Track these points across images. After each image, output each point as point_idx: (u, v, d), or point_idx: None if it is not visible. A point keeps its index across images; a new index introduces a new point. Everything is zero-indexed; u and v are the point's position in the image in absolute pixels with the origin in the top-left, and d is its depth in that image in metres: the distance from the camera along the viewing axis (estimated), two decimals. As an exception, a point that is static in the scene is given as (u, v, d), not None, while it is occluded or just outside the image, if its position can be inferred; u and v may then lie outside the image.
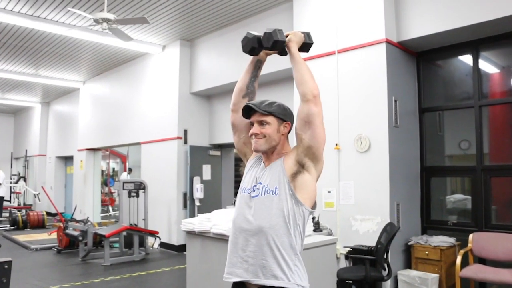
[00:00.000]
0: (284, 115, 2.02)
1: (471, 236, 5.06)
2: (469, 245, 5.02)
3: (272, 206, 1.91)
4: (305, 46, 2.22)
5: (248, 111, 2.03)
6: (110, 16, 5.89)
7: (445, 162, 6.12)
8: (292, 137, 2.09)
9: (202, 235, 4.64)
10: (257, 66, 2.26)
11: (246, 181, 2.08)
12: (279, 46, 2.13)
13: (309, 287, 1.93)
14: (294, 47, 2.10)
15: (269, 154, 2.04)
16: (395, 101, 5.35)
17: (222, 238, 4.36)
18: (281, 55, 2.23)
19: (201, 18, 7.70)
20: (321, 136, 1.95)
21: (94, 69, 11.26)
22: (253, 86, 2.24)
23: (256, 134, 1.98)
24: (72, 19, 7.61)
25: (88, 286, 5.96)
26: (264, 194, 1.94)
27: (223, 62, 8.20)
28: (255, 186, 2.00)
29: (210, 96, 9.16)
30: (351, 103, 5.56)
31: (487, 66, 5.58)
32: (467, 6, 4.89)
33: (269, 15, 7.25)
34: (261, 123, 1.98)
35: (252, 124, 2.02)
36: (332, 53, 5.77)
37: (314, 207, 1.99)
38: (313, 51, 5.96)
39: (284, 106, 2.07)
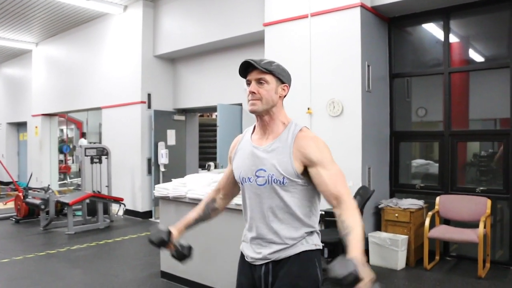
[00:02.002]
0: (283, 76, 1.90)
1: (438, 198, 5.25)
2: (436, 207, 5.20)
3: (281, 194, 1.83)
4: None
5: (246, 68, 1.90)
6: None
7: (411, 128, 6.26)
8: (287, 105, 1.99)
9: (176, 200, 4.56)
10: (192, 227, 2.20)
11: (244, 169, 1.93)
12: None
13: (321, 245, 1.91)
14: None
15: (264, 118, 1.90)
16: (368, 66, 5.36)
17: (198, 203, 4.29)
18: None
19: (166, -23, 7.37)
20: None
21: (49, 29, 10.61)
22: (207, 214, 2.20)
23: (253, 93, 1.86)
24: (26, -26, 7.09)
25: (54, 255, 5.79)
26: (271, 183, 1.83)
27: (189, 24, 7.93)
28: (258, 171, 1.87)
29: (174, 59, 8.88)
30: (324, 68, 5.53)
31: (453, 34, 5.66)
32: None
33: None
34: (259, 81, 1.85)
35: (248, 82, 1.89)
36: (305, 16, 5.67)
37: None
38: (285, 13, 5.92)
39: (283, 67, 1.93)
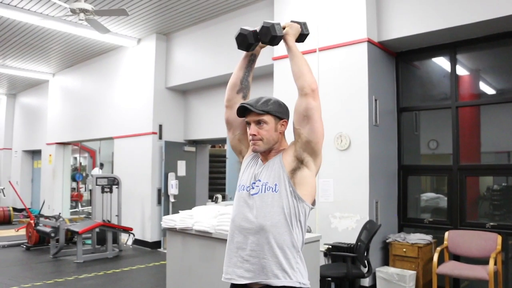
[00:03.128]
0: (281, 113, 1.99)
1: (447, 233, 5.19)
2: (445, 242, 5.14)
3: (273, 203, 1.87)
4: (302, 37, 2.18)
5: (243, 111, 1.98)
6: (88, 6, 5.74)
7: (420, 161, 6.26)
8: (288, 133, 2.07)
9: (183, 232, 4.58)
10: (251, 60, 2.21)
11: (245, 179, 2.03)
12: (277, 41, 2.09)
13: (309, 284, 1.91)
14: (291, 40, 2.07)
15: (266, 152, 2.01)
16: (375, 100, 5.41)
17: (204, 235, 4.32)
18: (272, 45, 2.14)
19: (178, 12, 7.59)
20: (320, 131, 1.93)
21: (65, 61, 10.93)
22: (247, 81, 2.19)
23: (254, 135, 1.94)
24: (45, 8, 7.34)
25: (62, 284, 5.81)
26: (264, 192, 1.90)
27: (200, 57, 8.12)
28: (254, 183, 1.96)
29: (185, 91, 9.05)
30: (332, 101, 5.59)
31: (461, 68, 5.72)
32: (446, 8, 5.00)
33: (249, 11, 7.21)
34: (258, 122, 1.94)
35: (248, 123, 1.97)
36: (313, 51, 5.78)
37: (313, 203, 1.97)
38: (294, 48, 6.03)
39: (280, 102, 2.02)
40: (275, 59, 6.27)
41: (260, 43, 2.15)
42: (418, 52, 5.80)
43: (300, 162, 1.92)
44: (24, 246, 8.21)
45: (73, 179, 15.14)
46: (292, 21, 2.12)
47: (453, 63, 5.52)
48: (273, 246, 1.85)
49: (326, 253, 5.34)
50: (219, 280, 4.19)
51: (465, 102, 5.63)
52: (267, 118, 1.93)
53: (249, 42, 2.12)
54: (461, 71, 5.71)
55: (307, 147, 1.91)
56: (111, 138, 9.81)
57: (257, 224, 1.88)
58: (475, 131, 5.80)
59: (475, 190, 5.84)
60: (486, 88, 6.00)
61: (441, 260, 5.00)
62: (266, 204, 1.89)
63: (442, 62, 5.82)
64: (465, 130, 5.59)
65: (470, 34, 5.21)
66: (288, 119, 2.03)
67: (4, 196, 13.77)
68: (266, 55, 6.65)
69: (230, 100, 2.17)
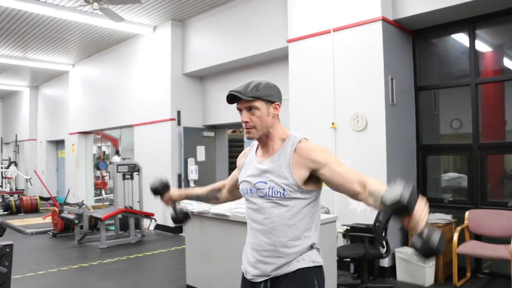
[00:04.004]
0: (272, 96, 1.88)
1: (467, 213, 5.11)
2: (466, 222, 5.07)
3: (281, 204, 1.83)
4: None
5: (233, 98, 1.90)
6: (102, -5, 5.77)
7: (439, 141, 6.16)
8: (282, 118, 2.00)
9: (201, 215, 4.64)
10: (195, 199, 2.44)
11: (246, 181, 1.96)
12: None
13: (322, 262, 1.91)
14: None
15: (262, 139, 1.92)
16: (392, 79, 5.33)
17: (221, 218, 4.36)
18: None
19: (193, -2, 7.58)
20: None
21: (84, 51, 11.07)
22: (207, 198, 2.37)
23: (246, 122, 1.87)
24: (61, -1, 7.44)
25: (86, 268, 5.96)
26: (272, 195, 1.84)
27: (216, 42, 8.10)
28: (258, 183, 1.89)
29: (203, 77, 9.07)
30: (348, 82, 5.53)
31: (482, 44, 5.56)
32: (464, -18, 4.86)
33: (262, -6, 7.15)
34: (249, 108, 1.85)
35: (239, 109, 1.90)
36: (328, 32, 5.71)
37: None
38: (308, 29, 5.98)
39: (271, 85, 1.92)
40: (290, 41, 6.21)
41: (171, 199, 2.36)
42: (436, 29, 5.65)
43: (315, 177, 1.85)
44: (51, 233, 8.44)
45: (97, 167, 15.45)
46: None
47: (472, 39, 5.38)
48: (285, 244, 1.83)
49: (345, 234, 5.34)
50: (237, 262, 4.24)
51: (485, 78, 5.49)
52: (258, 103, 1.85)
53: (180, 218, 2.37)
54: (482, 47, 5.56)
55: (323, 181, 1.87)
56: (131, 126, 9.93)
57: (267, 225, 1.85)
58: (499, 109, 5.66)
59: (499, 169, 5.73)
60: (510, 64, 5.82)
61: (461, 240, 4.94)
62: (275, 207, 1.84)
63: (461, 39, 5.67)
64: (488, 108, 5.46)
65: (489, 8, 5.05)
66: (280, 102, 1.93)
67: (32, 185, 14.14)
68: (279, 37, 6.63)
69: (227, 200, 2.35)
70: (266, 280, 1.87)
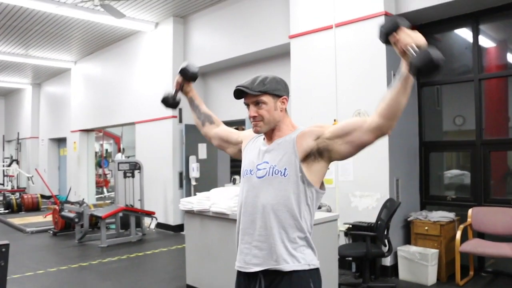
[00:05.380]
0: (279, 90, 1.87)
1: (470, 210, 5.05)
2: (469, 219, 5.00)
3: (280, 187, 1.80)
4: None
5: (240, 93, 1.89)
6: (101, -9, 5.71)
7: (442, 138, 6.08)
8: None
9: (201, 214, 4.59)
10: (191, 101, 2.37)
11: (248, 162, 1.95)
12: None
13: (319, 264, 1.86)
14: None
15: (269, 132, 1.92)
16: (394, 75, 5.24)
17: (221, 217, 4.31)
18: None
19: (194, -6, 7.52)
20: (348, 157, 1.81)
21: (86, 48, 11.03)
22: (201, 113, 2.33)
23: (254, 117, 1.86)
24: (61, -4, 7.39)
25: (86, 268, 5.92)
26: (272, 175, 1.82)
27: (218, 39, 8.04)
28: (260, 164, 1.88)
29: (204, 73, 9.00)
30: (350, 78, 5.47)
31: (485, 39, 5.48)
32: (468, -24, 4.78)
33: (263, -10, 7.08)
34: (257, 103, 1.85)
35: (247, 104, 1.89)
36: (330, 27, 5.64)
37: (323, 187, 1.89)
38: (310, 25, 5.91)
39: (277, 79, 1.90)
40: (292, 37, 6.15)
41: (182, 88, 2.35)
42: (439, 24, 5.57)
43: (318, 155, 1.81)
44: (51, 232, 8.42)
45: (99, 165, 15.44)
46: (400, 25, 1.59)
47: (476, 34, 5.29)
48: (281, 230, 1.79)
49: (347, 233, 5.28)
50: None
51: (488, 74, 5.41)
52: (265, 98, 1.84)
53: (170, 102, 2.36)
54: (485, 42, 5.48)
55: (331, 153, 1.79)
56: (132, 123, 9.89)
57: (264, 208, 1.81)
58: (502, 105, 5.58)
59: (502, 166, 5.65)
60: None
61: (464, 238, 4.88)
62: (273, 188, 1.81)
63: (464, 34, 5.59)
64: (492, 104, 5.38)
65: (493, 2, 4.97)
66: (288, 96, 1.92)
67: (33, 183, 14.12)
68: (281, 33, 6.56)
69: (207, 135, 2.32)
70: (260, 280, 1.82)
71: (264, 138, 1.98)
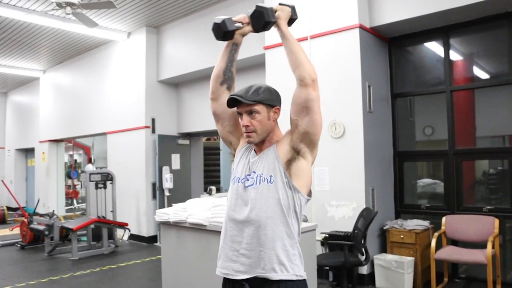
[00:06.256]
0: (272, 100, 1.91)
1: (444, 218, 5.15)
2: (443, 227, 5.10)
3: (268, 195, 1.81)
4: (290, 22, 2.03)
5: (234, 102, 1.90)
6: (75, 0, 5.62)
7: (415, 147, 6.22)
8: (281, 121, 2.01)
9: (177, 225, 4.52)
10: (233, 50, 2.06)
11: (239, 171, 1.95)
12: (269, 27, 1.98)
13: (305, 276, 1.85)
14: (284, 25, 1.94)
15: (260, 143, 1.94)
16: (369, 86, 5.34)
17: (198, 228, 4.26)
18: (263, 31, 2.01)
19: (167, 4, 7.47)
20: (319, 122, 1.85)
21: (55, 57, 10.79)
22: (231, 71, 2.07)
23: (247, 126, 1.87)
24: (31, 3, 7.21)
25: (57, 282, 5.74)
26: (259, 183, 1.83)
27: (191, 50, 8.01)
28: (249, 175, 1.89)
29: (178, 84, 8.95)
30: (325, 89, 5.48)
31: (454, 53, 5.65)
32: (439, -9, 4.92)
33: (237, 1, 7.10)
34: (250, 112, 1.86)
35: (240, 114, 1.90)
36: (305, 39, 5.70)
37: (310, 194, 1.90)
38: (285, 36, 5.95)
39: (271, 89, 1.95)
40: (266, 48, 6.19)
41: (239, 30, 2.01)
42: (411, 37, 5.72)
43: (296, 153, 1.85)
44: (19, 245, 8.14)
45: (68, 176, 15.07)
46: (281, 4, 1.99)
47: (447, 47, 5.46)
48: (269, 238, 1.78)
49: (323, 242, 5.30)
50: (215, 272, 4.14)
51: (460, 86, 5.58)
52: (258, 107, 1.86)
53: (224, 30, 1.98)
54: (454, 55, 5.65)
55: (304, 137, 1.83)
56: (104, 134, 9.71)
57: (252, 216, 1.81)
58: (470, 116, 5.75)
59: (471, 175, 5.80)
60: (480, 73, 5.95)
61: (439, 246, 4.97)
62: (261, 196, 1.82)
63: (435, 47, 5.75)
64: (460, 115, 5.53)
65: (462, 17, 5.14)
66: (280, 106, 1.96)
67: (-1, 195, 13.68)
68: (257, 44, 6.58)
69: (214, 92, 2.09)
70: (245, 284, 1.81)
71: (254, 150, 1.98)
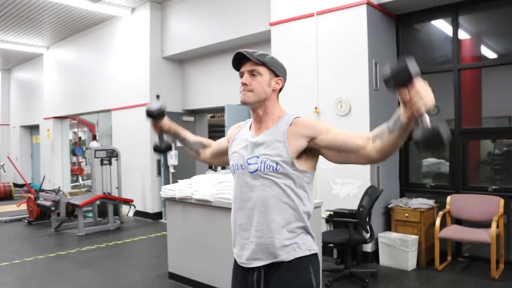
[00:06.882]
0: (277, 69, 1.84)
1: (449, 198, 5.15)
2: (447, 206, 5.11)
3: (274, 181, 1.76)
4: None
5: (239, 59, 1.84)
6: (78, -26, 5.53)
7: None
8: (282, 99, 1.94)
9: (183, 201, 4.55)
10: (176, 137, 2.28)
11: (238, 157, 1.89)
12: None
13: (317, 249, 1.85)
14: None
15: (258, 111, 1.86)
16: (376, 64, 5.29)
17: (204, 204, 4.28)
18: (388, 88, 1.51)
19: (172, -21, 7.37)
20: (340, 162, 1.80)
21: (59, 33, 10.72)
22: (191, 144, 2.26)
23: (245, 85, 1.81)
24: (34, -22, 7.14)
25: (64, 256, 5.82)
26: (264, 170, 1.76)
27: (195, 26, 7.93)
28: (250, 159, 1.82)
29: (182, 60, 8.89)
30: (331, 67, 5.47)
31: (462, 32, 5.56)
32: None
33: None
34: (252, 72, 1.80)
35: (241, 74, 1.84)
36: (311, 15, 5.62)
37: (314, 169, 1.87)
38: (291, 12, 5.87)
39: (278, 60, 1.88)
40: (272, 24, 6.10)
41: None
42: (419, 14, 5.62)
43: (310, 152, 1.78)
44: (26, 221, 8.23)
45: (73, 153, 15.13)
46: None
47: (455, 25, 5.36)
48: (278, 222, 1.75)
49: (328, 220, 5.32)
50: (220, 248, 4.17)
51: (468, 64, 5.50)
52: (262, 69, 1.81)
53: (162, 149, 2.26)
54: (462, 34, 5.55)
55: (320, 153, 1.79)
56: (108, 111, 9.71)
57: (260, 203, 1.77)
58: (476, 96, 5.69)
59: (476, 155, 5.78)
60: (487, 52, 5.86)
61: (443, 225, 4.98)
62: (268, 182, 1.77)
63: (443, 25, 5.66)
64: (466, 95, 5.48)
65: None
66: (284, 79, 1.90)
67: (5, 172, 13.77)
68: (262, 20, 6.51)
69: (205, 160, 2.29)
70: (260, 268, 1.80)
71: (250, 128, 1.93)
